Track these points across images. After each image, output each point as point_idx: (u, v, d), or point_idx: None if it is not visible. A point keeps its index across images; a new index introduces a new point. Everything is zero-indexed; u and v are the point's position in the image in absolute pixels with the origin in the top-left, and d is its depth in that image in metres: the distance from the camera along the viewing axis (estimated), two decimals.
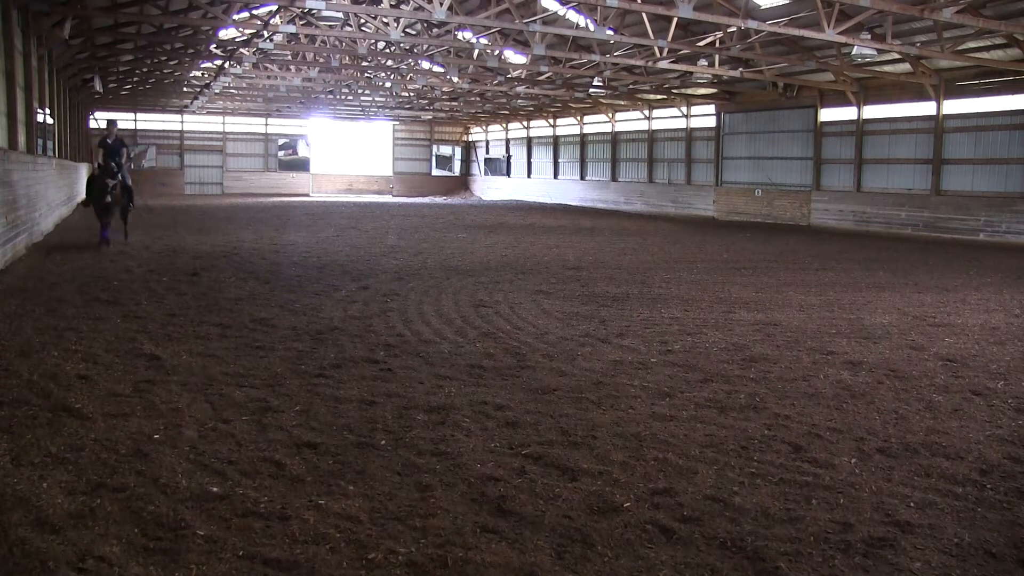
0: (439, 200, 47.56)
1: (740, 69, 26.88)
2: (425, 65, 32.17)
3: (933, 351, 8.06)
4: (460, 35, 26.92)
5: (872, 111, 27.82)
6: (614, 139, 41.85)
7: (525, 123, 50.19)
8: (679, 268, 14.93)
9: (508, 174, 52.76)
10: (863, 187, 28.14)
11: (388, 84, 35.02)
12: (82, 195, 20.47)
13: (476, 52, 29.14)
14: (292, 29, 23.18)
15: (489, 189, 54.31)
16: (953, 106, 25.07)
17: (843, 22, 19.74)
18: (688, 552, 3.67)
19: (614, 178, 41.88)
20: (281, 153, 52.13)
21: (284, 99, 41.77)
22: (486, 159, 55.78)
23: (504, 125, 52.43)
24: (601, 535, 3.80)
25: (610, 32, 22.78)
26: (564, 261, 15.77)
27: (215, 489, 4.17)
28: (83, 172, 36.49)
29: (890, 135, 27.16)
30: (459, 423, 5.41)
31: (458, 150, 58.23)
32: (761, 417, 5.73)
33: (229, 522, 3.81)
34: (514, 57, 31.73)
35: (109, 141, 16.22)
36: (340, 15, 25.98)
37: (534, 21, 22.31)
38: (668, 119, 37.93)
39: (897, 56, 23.55)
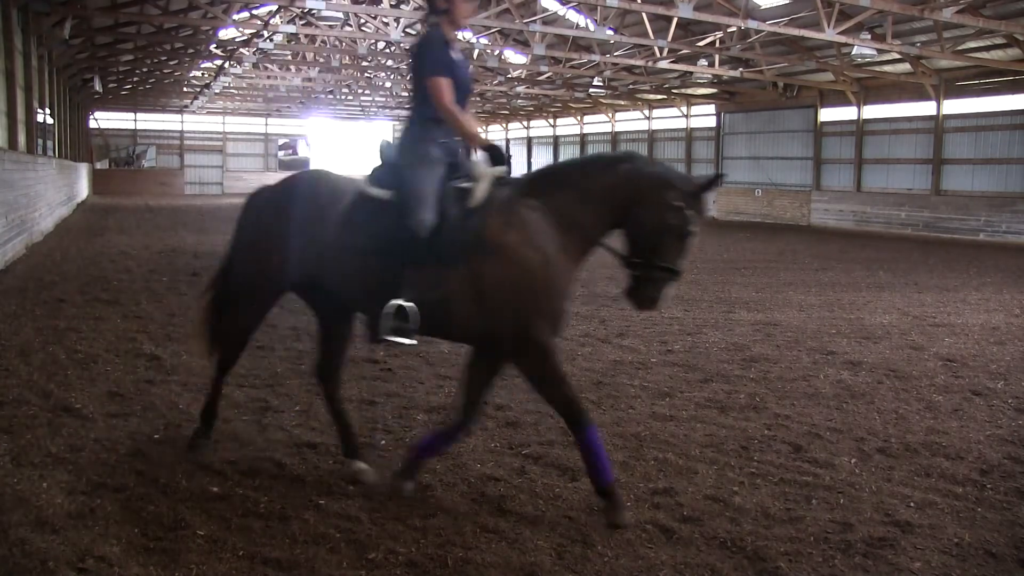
0: None
1: (740, 69, 26.87)
2: None
3: (933, 351, 8.06)
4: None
5: (872, 111, 27.81)
6: (614, 139, 41.82)
7: (525, 123, 50.17)
8: None
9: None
10: (863, 187, 28.14)
11: (388, 84, 35.01)
12: (83, 196, 16.57)
13: (476, 52, 29.13)
14: (292, 29, 23.19)
15: None
16: (953, 106, 25.07)
17: (843, 22, 19.73)
18: (688, 552, 3.67)
19: None
20: (281, 153, 52.09)
21: (284, 99, 41.76)
22: None
23: (504, 125, 52.41)
24: (601, 535, 3.80)
25: (610, 32, 22.78)
26: None
27: (215, 489, 4.17)
28: (83, 172, 36.30)
29: (890, 135, 27.16)
30: None
31: None
32: (761, 417, 5.73)
33: (229, 522, 3.81)
34: (514, 57, 31.72)
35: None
36: (340, 15, 25.94)
37: (534, 21, 22.31)
38: (668, 119, 37.91)
39: (897, 56, 23.53)
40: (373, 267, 4.05)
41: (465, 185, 4.10)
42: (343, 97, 40.22)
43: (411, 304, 3.95)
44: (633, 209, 3.95)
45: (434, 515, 3.95)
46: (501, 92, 35.84)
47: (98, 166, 44.68)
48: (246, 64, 29.02)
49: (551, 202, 4.03)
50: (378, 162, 4.31)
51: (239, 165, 50.61)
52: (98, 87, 33.21)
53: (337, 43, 28.71)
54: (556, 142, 47.79)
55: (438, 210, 3.99)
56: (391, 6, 25.36)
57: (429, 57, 4.14)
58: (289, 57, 31.21)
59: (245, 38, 27.31)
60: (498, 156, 4.15)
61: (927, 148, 25.86)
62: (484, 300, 3.93)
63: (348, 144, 54.32)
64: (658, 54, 25.79)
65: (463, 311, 3.98)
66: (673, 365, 7.25)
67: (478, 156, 4.26)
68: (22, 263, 13.06)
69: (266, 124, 51.19)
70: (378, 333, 4.05)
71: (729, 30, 23.07)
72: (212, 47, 28.27)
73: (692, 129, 36.43)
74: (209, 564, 3.42)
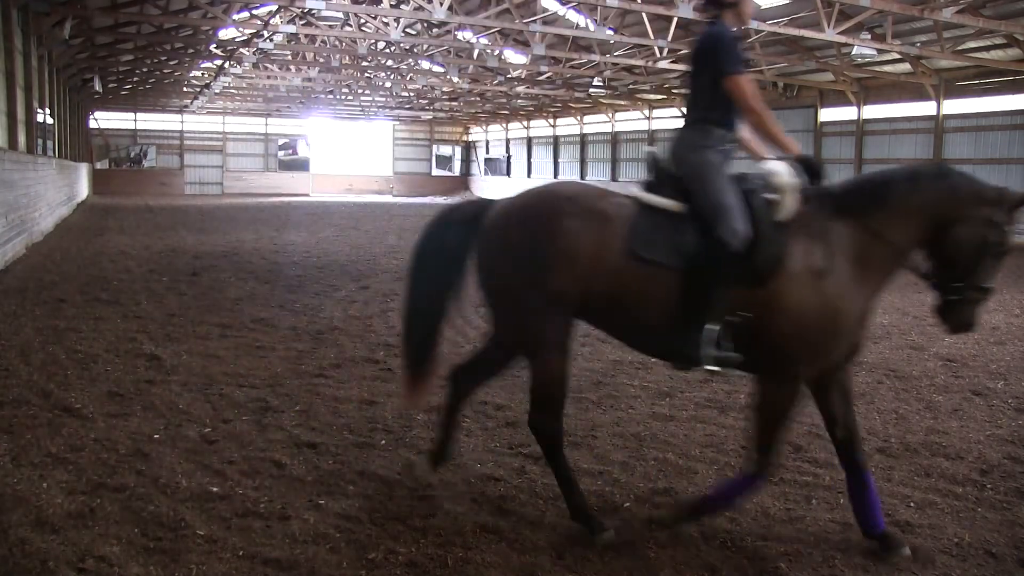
0: (439, 200, 47.53)
1: None
2: (425, 65, 32.15)
3: (933, 351, 8.07)
4: (460, 35, 26.91)
5: (872, 111, 27.81)
6: (614, 139, 41.82)
7: (525, 123, 50.15)
8: None
9: (508, 174, 52.74)
10: None
11: (388, 84, 35.01)
12: (83, 196, 16.59)
13: (476, 52, 29.12)
14: (292, 29, 23.19)
15: (489, 189, 54.28)
16: (953, 106, 25.06)
17: (843, 22, 19.73)
18: (688, 552, 3.67)
19: (614, 178, 41.83)
20: (281, 153, 52.09)
21: (284, 99, 41.76)
22: (486, 159, 55.76)
23: (504, 125, 52.40)
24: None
25: (610, 32, 22.79)
26: None
27: (215, 489, 4.17)
28: (83, 172, 36.28)
29: (890, 135, 27.15)
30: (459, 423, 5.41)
31: (458, 150, 58.19)
32: None
33: (229, 522, 3.81)
34: (514, 57, 31.71)
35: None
36: (340, 15, 25.96)
37: (534, 21, 22.30)
38: (668, 119, 37.88)
39: (897, 56, 23.53)
40: (672, 286, 3.64)
41: (771, 196, 3.70)
42: (343, 97, 40.23)
43: (726, 329, 3.60)
44: (951, 226, 3.70)
45: (434, 515, 3.95)
46: (501, 92, 35.83)
47: (98, 166, 44.68)
48: (246, 64, 29.01)
49: (864, 219, 3.70)
50: (651, 172, 3.94)
51: (239, 165, 50.62)
52: (98, 87, 33.21)
53: (337, 43, 28.70)
54: (556, 142, 47.78)
55: (750, 222, 3.62)
56: (391, 6, 25.35)
57: (728, 53, 3.77)
58: (289, 57, 31.22)
59: (245, 38, 27.31)
60: (814, 171, 3.75)
61: (927, 148, 25.85)
62: (774, 323, 3.59)
63: (348, 144, 54.36)
64: (658, 54, 25.78)
65: (762, 338, 3.63)
66: None
67: (779, 165, 3.77)
68: (22, 263, 13.06)
69: (266, 124, 51.18)
70: (694, 362, 3.69)
71: None
72: (212, 47, 28.27)
73: None
74: (209, 564, 3.42)
